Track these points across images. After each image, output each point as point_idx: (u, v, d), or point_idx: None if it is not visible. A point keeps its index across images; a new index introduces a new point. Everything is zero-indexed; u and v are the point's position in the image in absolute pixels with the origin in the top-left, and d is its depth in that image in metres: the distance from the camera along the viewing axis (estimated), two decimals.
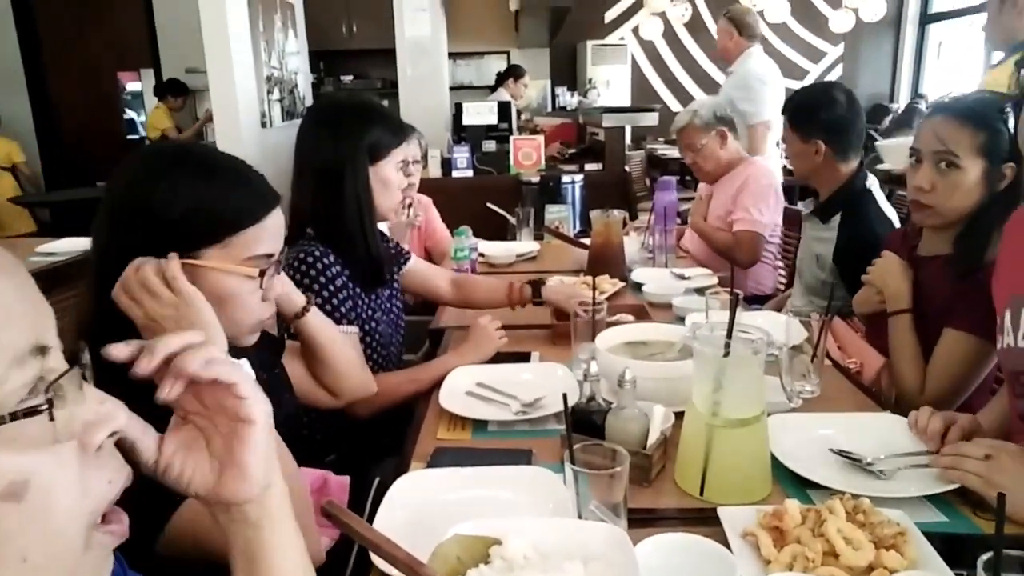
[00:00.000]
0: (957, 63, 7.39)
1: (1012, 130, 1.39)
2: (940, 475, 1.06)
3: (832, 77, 7.76)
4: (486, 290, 1.96)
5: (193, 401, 0.61)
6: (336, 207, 1.55)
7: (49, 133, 7.07)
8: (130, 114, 7.47)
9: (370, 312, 1.63)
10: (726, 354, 1.02)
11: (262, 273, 0.99)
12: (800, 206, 2.32)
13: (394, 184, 1.63)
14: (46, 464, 0.46)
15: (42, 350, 0.47)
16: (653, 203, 2.56)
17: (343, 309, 1.51)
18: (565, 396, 0.99)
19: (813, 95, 2.21)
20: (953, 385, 1.46)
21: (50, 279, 2.16)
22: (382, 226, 1.84)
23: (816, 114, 2.08)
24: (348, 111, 1.61)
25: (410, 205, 2.55)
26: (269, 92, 5.14)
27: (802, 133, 2.10)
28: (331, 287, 1.50)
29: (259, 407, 0.61)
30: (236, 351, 1.10)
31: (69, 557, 0.48)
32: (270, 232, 1.00)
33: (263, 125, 4.92)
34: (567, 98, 7.83)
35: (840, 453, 1.13)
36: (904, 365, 1.52)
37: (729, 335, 1.04)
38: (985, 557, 0.62)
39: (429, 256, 2.73)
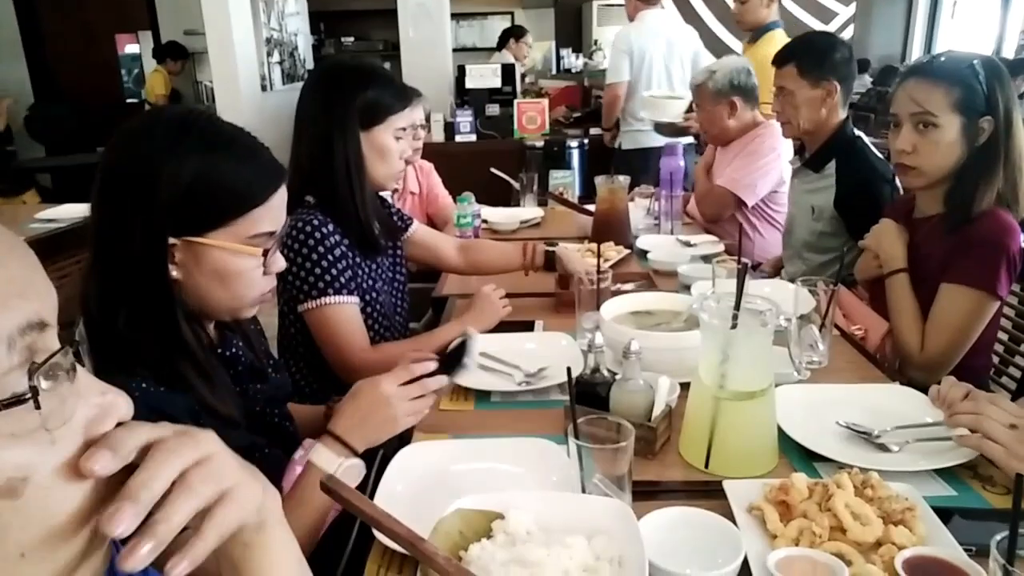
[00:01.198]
0: (972, 23, 7.22)
1: (984, 85, 1.44)
2: (957, 441, 1.02)
3: (843, 37, 7.60)
4: (499, 253, 1.89)
5: None
6: (327, 172, 1.52)
7: (48, 98, 6.99)
8: (128, 78, 7.38)
9: (370, 282, 1.61)
10: (734, 326, 1.00)
11: (265, 252, 0.97)
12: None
13: (391, 151, 1.58)
14: (46, 461, 0.45)
15: (41, 326, 0.46)
16: (659, 168, 2.51)
17: (342, 279, 1.49)
18: (569, 370, 0.97)
19: (821, 37, 2.22)
20: (951, 339, 1.47)
21: (51, 246, 2.14)
22: (386, 193, 1.81)
23: (829, 54, 2.08)
24: (345, 74, 1.57)
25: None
26: (269, 54, 5.07)
27: (813, 77, 2.06)
28: (330, 256, 1.48)
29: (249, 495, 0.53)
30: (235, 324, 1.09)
31: (69, 551, 0.47)
32: (275, 209, 0.98)
33: (263, 88, 4.86)
34: (572, 60, 7.71)
35: (848, 426, 1.12)
36: (904, 324, 1.53)
37: (737, 307, 1.02)
38: (999, 537, 0.61)
39: (432, 223, 2.69)
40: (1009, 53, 6.33)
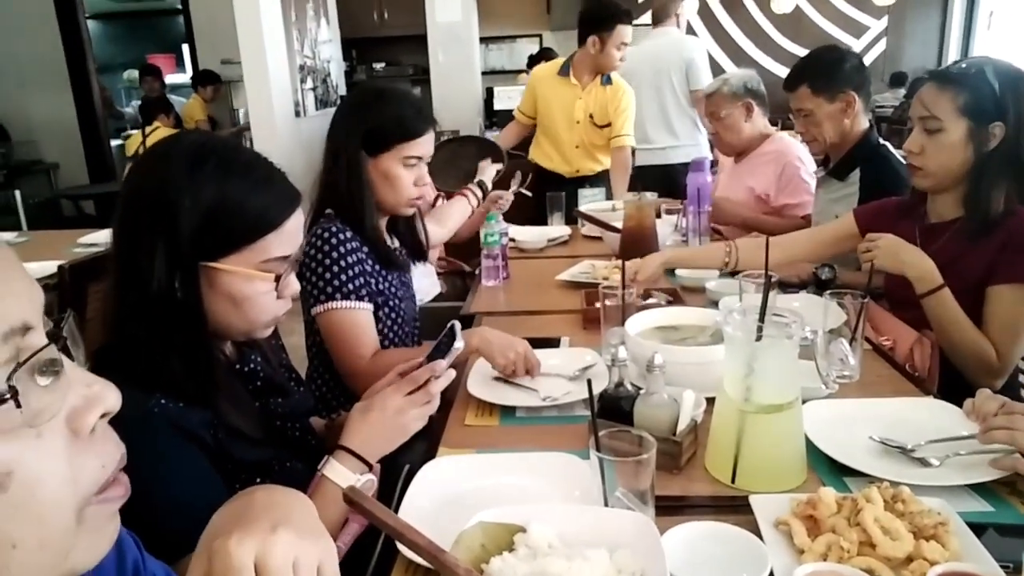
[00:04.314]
0: (1009, 33, 7.08)
1: (997, 90, 1.46)
2: (992, 465, 1.00)
3: (875, 52, 7.51)
4: (450, 211, 2.22)
5: None
6: (335, 191, 1.56)
7: (91, 127, 7.24)
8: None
9: (392, 290, 1.63)
10: (758, 338, 0.99)
11: (278, 277, 0.99)
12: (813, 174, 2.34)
13: (399, 179, 1.56)
14: (31, 454, 0.46)
15: (23, 330, 0.46)
16: (686, 184, 2.51)
17: (352, 285, 1.50)
18: (589, 381, 0.97)
19: (827, 52, 2.23)
20: (1018, 340, 1.47)
21: (90, 269, 2.21)
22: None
23: (839, 67, 2.10)
24: (364, 97, 1.61)
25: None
26: (302, 81, 5.18)
27: (829, 92, 2.08)
28: (342, 262, 1.49)
29: None
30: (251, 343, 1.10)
31: (61, 538, 0.48)
32: (289, 234, 1.00)
33: (297, 114, 4.97)
34: None
35: (883, 441, 1.09)
36: (970, 336, 1.48)
37: (761, 319, 1.01)
38: None
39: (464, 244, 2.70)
40: None
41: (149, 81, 6.82)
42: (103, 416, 0.51)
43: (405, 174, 1.57)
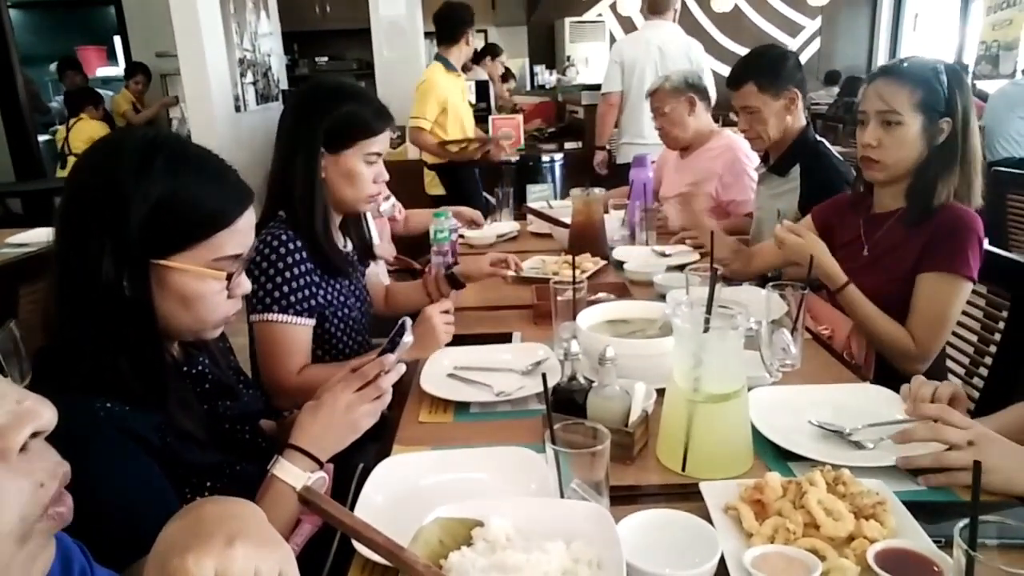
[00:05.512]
0: (933, 34, 7.42)
1: (945, 88, 1.54)
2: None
3: (810, 51, 7.77)
4: (405, 295, 1.92)
5: None
6: (288, 192, 1.51)
7: (16, 121, 6.90)
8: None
9: (341, 299, 1.60)
10: (706, 330, 1.02)
11: (230, 276, 0.97)
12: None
13: (360, 175, 1.54)
14: None
15: None
16: (631, 180, 2.55)
17: (294, 298, 1.47)
18: (544, 376, 0.98)
19: (771, 51, 2.31)
20: (938, 326, 1.56)
21: (21, 271, 2.11)
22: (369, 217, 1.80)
23: (783, 64, 2.18)
24: (319, 94, 1.56)
25: (387, 197, 2.50)
26: (242, 75, 5.06)
27: (774, 90, 2.15)
28: (287, 274, 1.46)
29: None
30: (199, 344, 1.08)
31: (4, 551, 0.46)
32: (241, 233, 0.98)
33: (237, 109, 4.85)
34: (546, 76, 7.78)
35: (820, 425, 1.14)
36: (883, 326, 1.57)
37: (708, 310, 1.04)
38: (961, 524, 0.63)
39: (414, 241, 2.68)
40: (969, 61, 6.51)
41: (70, 75, 6.53)
42: (36, 435, 0.48)
43: (366, 171, 1.54)
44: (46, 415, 0.49)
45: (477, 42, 7.70)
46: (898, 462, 1.03)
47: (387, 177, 1.61)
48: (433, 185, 3.98)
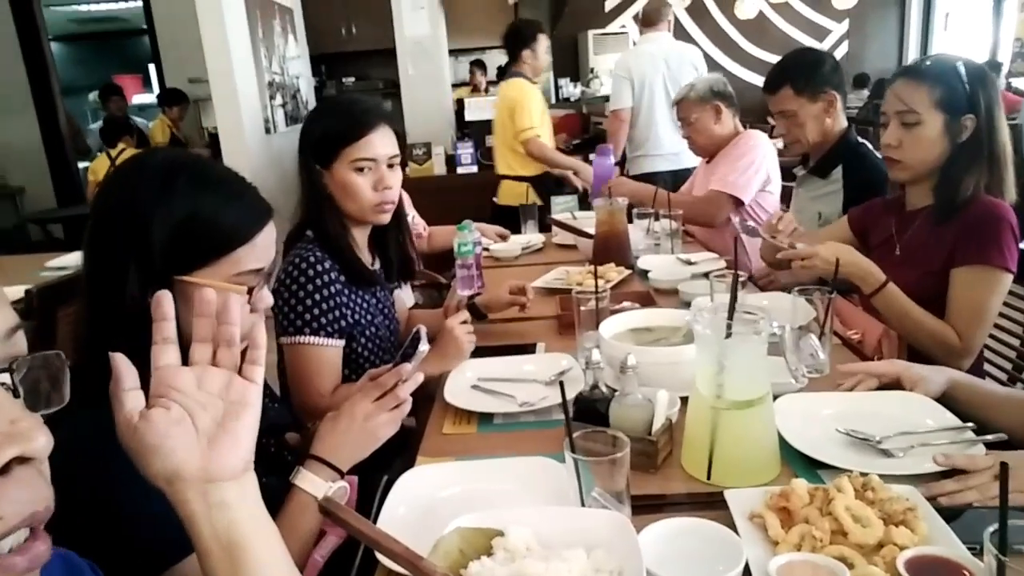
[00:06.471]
0: (965, 33, 7.27)
1: (967, 85, 1.53)
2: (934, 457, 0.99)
3: (838, 54, 7.66)
4: (427, 324, 1.89)
5: (191, 383, 0.65)
6: (307, 210, 1.55)
7: (57, 150, 7.14)
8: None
9: (369, 317, 1.60)
10: (728, 335, 1.01)
11: (251, 290, 0.99)
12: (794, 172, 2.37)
13: (353, 185, 1.51)
14: None
15: None
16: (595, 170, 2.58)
17: (324, 320, 1.47)
18: (562, 384, 0.98)
19: (807, 53, 2.30)
20: (979, 320, 1.52)
21: (58, 293, 2.18)
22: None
23: (820, 67, 2.16)
24: (309, 115, 1.60)
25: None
26: (272, 98, 5.16)
27: (811, 92, 2.13)
28: (317, 296, 1.47)
29: (260, 393, 0.69)
30: None
31: None
32: (261, 248, 0.99)
33: (267, 131, 4.94)
34: (570, 89, 7.81)
35: (848, 433, 1.11)
36: (927, 324, 1.53)
37: (730, 316, 1.02)
38: (991, 529, 0.61)
39: (439, 257, 2.68)
40: (1004, 59, 6.36)
41: (115, 101, 6.73)
42: (25, 461, 0.45)
43: (359, 180, 1.51)
44: (39, 441, 0.46)
45: (501, 57, 7.78)
46: (922, 491, 0.95)
47: (392, 184, 1.55)
48: (508, 195, 3.88)
